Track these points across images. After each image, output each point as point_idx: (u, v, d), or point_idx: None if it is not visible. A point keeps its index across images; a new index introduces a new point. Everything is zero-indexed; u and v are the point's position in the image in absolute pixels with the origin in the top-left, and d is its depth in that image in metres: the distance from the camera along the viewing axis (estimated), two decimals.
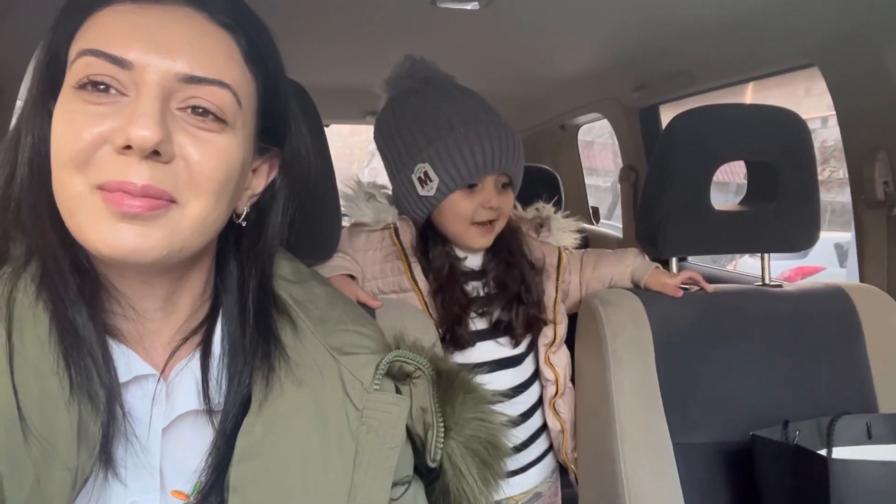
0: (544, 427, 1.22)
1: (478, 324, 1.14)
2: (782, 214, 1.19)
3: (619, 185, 2.28)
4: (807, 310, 1.20)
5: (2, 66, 1.14)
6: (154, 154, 0.48)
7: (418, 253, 1.12)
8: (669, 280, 1.17)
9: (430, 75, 1.13)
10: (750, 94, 2.07)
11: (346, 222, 1.10)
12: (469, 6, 1.40)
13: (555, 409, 1.19)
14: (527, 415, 1.18)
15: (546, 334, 1.18)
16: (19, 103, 1.19)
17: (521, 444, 1.17)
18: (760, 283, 1.26)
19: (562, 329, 1.21)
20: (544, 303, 1.17)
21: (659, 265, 1.22)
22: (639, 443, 1.05)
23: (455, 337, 1.09)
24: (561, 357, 1.20)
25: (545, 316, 1.17)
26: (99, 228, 0.48)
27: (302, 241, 0.67)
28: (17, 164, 0.54)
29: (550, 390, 1.19)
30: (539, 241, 1.23)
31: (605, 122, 2.52)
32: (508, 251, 1.15)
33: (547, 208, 1.27)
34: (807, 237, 1.23)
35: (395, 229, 1.12)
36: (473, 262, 1.16)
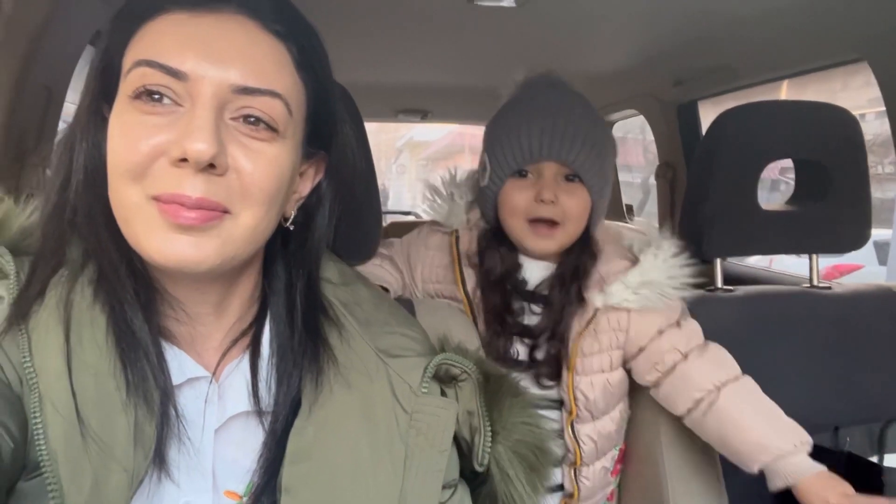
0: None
1: (520, 351, 1.05)
2: (832, 214, 1.16)
3: (648, 182, 2.24)
4: (856, 312, 1.17)
5: (50, 69, 1.16)
6: (209, 167, 0.48)
7: (475, 262, 1.04)
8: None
9: (546, 82, 1.04)
10: (785, 91, 2.01)
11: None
12: (505, 3, 1.39)
13: (573, 431, 1.06)
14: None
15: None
16: (67, 105, 1.21)
17: None
18: (808, 285, 1.23)
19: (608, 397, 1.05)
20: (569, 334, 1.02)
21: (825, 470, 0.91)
22: (685, 448, 1.03)
23: (490, 352, 1.00)
24: (588, 387, 1.04)
25: (566, 355, 1.03)
26: (154, 238, 0.49)
27: (342, 242, 0.67)
28: (72, 169, 0.54)
29: (566, 409, 1.07)
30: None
31: (635, 118, 2.49)
32: (573, 274, 1.01)
33: (650, 245, 1.03)
34: (857, 237, 1.19)
35: (457, 237, 1.07)
36: (533, 276, 1.05)
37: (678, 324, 1.02)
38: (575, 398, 1.04)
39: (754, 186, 1.13)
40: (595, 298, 1.00)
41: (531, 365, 1.03)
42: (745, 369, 1.09)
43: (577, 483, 1.07)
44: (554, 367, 1.04)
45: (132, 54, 0.51)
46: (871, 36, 1.29)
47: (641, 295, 0.99)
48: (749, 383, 0.99)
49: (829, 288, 1.21)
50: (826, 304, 1.17)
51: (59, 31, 1.13)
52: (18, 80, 1.09)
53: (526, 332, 1.03)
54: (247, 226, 0.52)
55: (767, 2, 1.31)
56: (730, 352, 1.05)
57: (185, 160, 0.47)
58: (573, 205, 0.97)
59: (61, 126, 1.21)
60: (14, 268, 0.53)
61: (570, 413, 1.05)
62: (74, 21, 1.16)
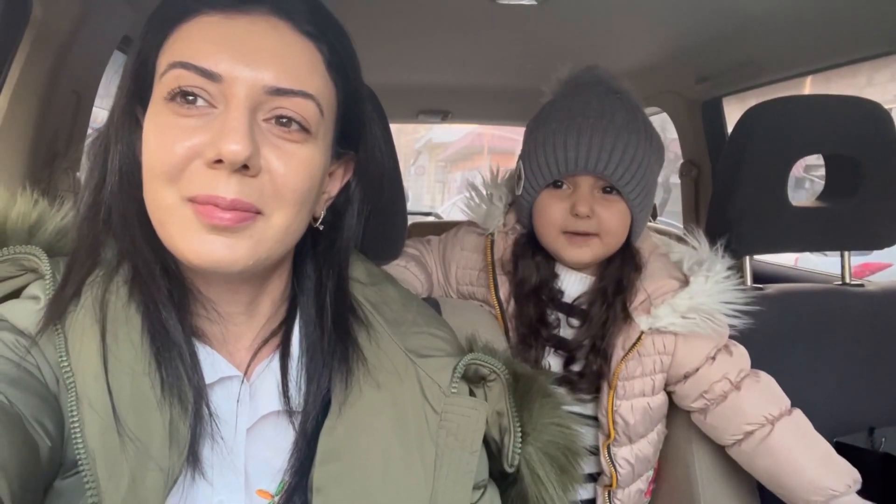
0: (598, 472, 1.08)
1: (552, 363, 1.02)
2: (864, 210, 1.13)
3: (669, 181, 2.20)
4: (891, 310, 1.14)
5: (79, 74, 1.18)
6: (243, 168, 0.48)
7: (509, 269, 1.01)
8: None
9: (590, 79, 1.01)
10: (809, 87, 1.97)
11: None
12: (526, 1, 1.38)
13: (609, 453, 1.03)
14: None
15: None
16: (96, 110, 1.23)
17: None
18: (840, 283, 1.21)
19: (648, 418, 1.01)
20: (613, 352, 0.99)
21: None
22: (717, 466, 1.02)
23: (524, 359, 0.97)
24: (627, 410, 1.00)
25: (607, 372, 0.99)
26: (189, 239, 0.49)
27: (369, 242, 0.67)
28: (107, 170, 0.55)
29: (602, 432, 1.04)
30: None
31: (654, 116, 2.46)
32: (616, 287, 0.97)
33: (702, 264, 0.98)
34: (890, 233, 1.17)
35: (492, 241, 1.04)
36: (571, 288, 1.02)
37: (728, 349, 0.98)
38: (614, 422, 1.00)
39: (784, 182, 1.11)
40: (641, 321, 0.96)
41: (564, 378, 1.00)
42: (778, 369, 1.07)
43: (611, 462, 1.04)
44: (593, 382, 1.00)
45: (166, 56, 0.51)
46: None
47: (690, 320, 0.94)
48: (800, 417, 0.96)
49: (862, 286, 1.19)
50: (859, 302, 1.14)
51: (88, 36, 1.15)
52: (48, 86, 1.11)
53: (561, 345, 1.00)
54: (279, 226, 0.52)
55: None
56: (762, 348, 1.03)
57: (219, 161, 0.48)
58: (610, 218, 0.93)
59: (90, 130, 1.22)
60: (49, 268, 0.54)
61: (608, 436, 1.01)
62: (103, 26, 1.18)
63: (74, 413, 0.49)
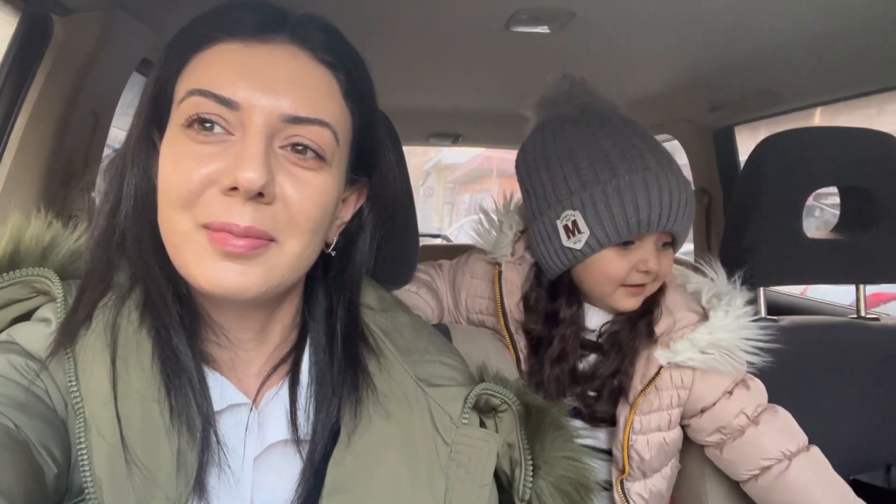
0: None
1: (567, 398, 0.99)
2: (880, 242, 1.13)
3: None
4: None
5: (97, 95, 1.19)
6: (258, 195, 0.48)
7: (526, 305, 0.98)
8: None
9: (591, 101, 0.97)
10: (818, 116, 1.97)
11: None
12: (540, 29, 1.40)
13: (623, 490, 1.00)
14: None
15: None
16: (113, 130, 1.24)
17: None
18: (855, 316, 1.19)
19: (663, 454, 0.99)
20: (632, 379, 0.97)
21: None
22: (728, 482, 0.99)
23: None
24: (643, 445, 0.98)
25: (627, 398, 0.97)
26: (203, 265, 0.49)
27: (381, 267, 0.66)
28: (122, 194, 0.55)
29: (616, 467, 1.01)
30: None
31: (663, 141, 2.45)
32: (642, 318, 0.95)
33: (721, 298, 0.97)
34: None
35: (500, 272, 1.00)
36: (592, 321, 1.00)
37: (745, 384, 0.97)
38: (629, 457, 0.98)
39: (799, 214, 1.10)
40: (660, 355, 0.94)
41: (578, 410, 0.99)
42: (793, 403, 1.05)
43: (625, 499, 1.02)
44: (608, 415, 0.99)
45: (185, 83, 0.51)
46: None
47: (709, 356, 0.92)
48: (818, 455, 0.95)
49: (878, 319, 1.17)
50: (875, 336, 1.13)
51: (107, 58, 1.16)
52: (67, 106, 1.12)
53: (580, 378, 0.98)
54: (292, 254, 0.52)
55: (808, 27, 1.29)
56: (776, 381, 1.01)
57: (235, 189, 0.48)
58: (665, 266, 0.92)
59: (107, 151, 1.23)
60: (62, 291, 0.54)
61: (623, 471, 0.99)
62: (123, 49, 1.19)
63: (82, 439, 0.49)
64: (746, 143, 2.15)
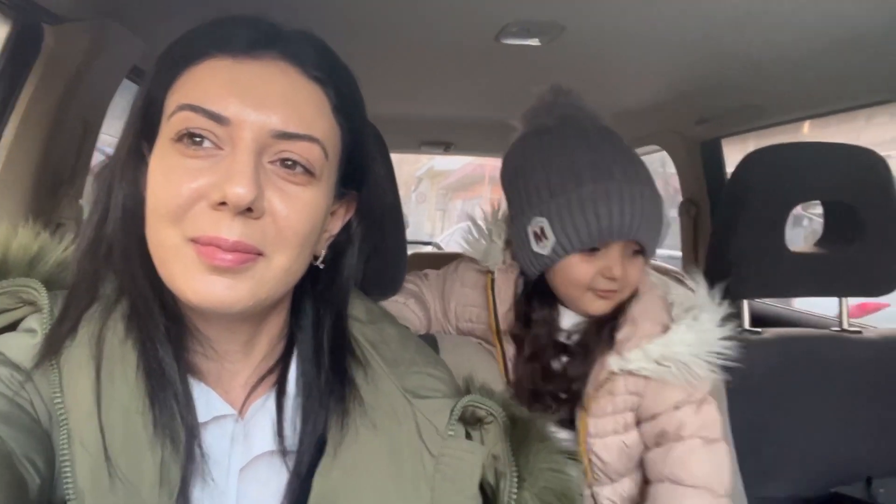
0: None
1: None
2: (862, 256, 1.14)
3: (668, 215, 2.20)
4: (889, 357, 1.14)
5: (87, 103, 1.19)
6: (246, 210, 0.49)
7: (514, 311, 1.00)
8: None
9: (573, 113, 0.99)
10: (807, 128, 2.00)
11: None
12: (531, 42, 1.41)
13: (592, 495, 1.00)
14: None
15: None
16: (103, 136, 1.24)
17: None
18: (838, 328, 1.21)
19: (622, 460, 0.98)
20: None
21: None
22: None
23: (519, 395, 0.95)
24: (602, 448, 0.98)
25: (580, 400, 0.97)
26: (191, 279, 0.49)
27: (368, 278, 0.67)
28: (110, 206, 0.55)
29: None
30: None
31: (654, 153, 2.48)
32: (609, 322, 0.97)
33: (691, 311, 0.96)
34: (888, 280, 1.17)
35: (493, 280, 1.02)
36: (566, 323, 1.01)
37: (697, 406, 0.94)
38: (590, 461, 0.98)
39: (783, 227, 1.12)
40: (611, 362, 0.94)
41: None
42: (774, 415, 1.06)
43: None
44: (567, 413, 0.98)
45: (175, 97, 0.52)
46: None
47: (664, 367, 0.92)
48: None
49: (860, 332, 1.18)
50: (857, 349, 1.14)
51: (98, 66, 1.16)
52: (57, 114, 1.12)
53: (555, 378, 0.98)
54: (280, 268, 0.52)
55: (796, 44, 1.31)
56: (758, 394, 1.04)
57: (224, 203, 0.48)
58: (633, 274, 0.94)
59: (95, 159, 1.23)
60: (48, 302, 0.54)
61: (586, 475, 0.99)
62: (113, 57, 1.19)
63: (66, 451, 0.49)
64: (735, 155, 2.17)
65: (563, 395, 0.97)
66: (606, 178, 0.89)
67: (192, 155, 0.50)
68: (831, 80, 1.43)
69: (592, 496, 1.00)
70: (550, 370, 0.99)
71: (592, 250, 0.92)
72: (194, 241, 0.49)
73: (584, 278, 0.93)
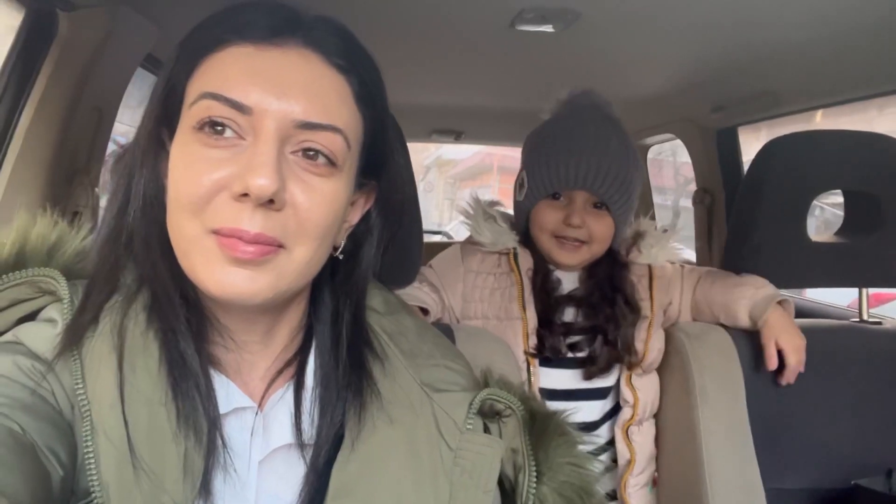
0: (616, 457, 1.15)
1: (565, 349, 1.10)
2: (884, 246, 1.12)
3: (678, 204, 2.20)
4: None
5: (102, 90, 1.19)
6: (268, 202, 0.48)
7: (534, 279, 1.10)
8: (790, 338, 1.04)
9: (587, 103, 1.14)
10: (820, 116, 1.98)
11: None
12: (545, 28, 1.39)
13: (627, 435, 1.12)
14: (607, 444, 1.14)
15: (636, 352, 1.11)
16: (117, 125, 1.24)
17: None
18: (857, 319, 1.19)
19: (653, 354, 1.12)
20: (634, 340, 1.10)
21: (787, 300, 1.10)
22: (729, 486, 1.00)
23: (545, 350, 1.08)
24: (646, 383, 1.13)
25: (631, 358, 1.10)
26: (212, 270, 0.49)
27: (386, 268, 0.66)
28: (131, 194, 0.55)
29: (626, 413, 1.12)
30: (629, 261, 1.15)
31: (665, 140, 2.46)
32: (609, 284, 1.11)
33: (644, 223, 1.19)
34: None
35: (515, 254, 1.12)
36: (567, 285, 1.13)
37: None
38: (637, 399, 1.10)
39: (803, 217, 1.10)
40: (641, 259, 1.15)
41: (583, 362, 1.10)
42: (792, 406, 1.05)
43: (630, 442, 1.12)
44: (603, 366, 1.09)
45: (197, 85, 0.51)
46: None
47: (663, 252, 1.14)
48: (721, 273, 1.18)
49: (880, 323, 1.17)
50: (878, 340, 1.13)
51: (112, 54, 1.16)
52: (71, 102, 1.12)
53: (567, 331, 1.10)
54: (301, 260, 0.52)
55: (813, 29, 1.28)
56: (775, 388, 1.04)
57: (245, 195, 0.48)
58: (599, 229, 1.07)
59: (111, 147, 1.23)
60: (68, 292, 0.54)
61: (633, 416, 1.11)
62: (128, 45, 1.19)
63: (89, 443, 0.49)
64: (747, 143, 2.15)
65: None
66: (576, 138, 1.05)
67: (214, 145, 0.49)
68: (847, 66, 1.40)
69: (627, 435, 1.12)
70: (568, 324, 1.11)
71: (556, 197, 1.07)
72: (216, 232, 0.49)
73: (549, 223, 1.07)
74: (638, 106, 2.18)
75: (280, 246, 0.50)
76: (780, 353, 1.04)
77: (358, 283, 0.62)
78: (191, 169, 0.49)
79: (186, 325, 0.53)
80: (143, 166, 0.54)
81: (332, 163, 0.52)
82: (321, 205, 0.51)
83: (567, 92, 1.16)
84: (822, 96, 1.61)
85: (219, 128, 0.49)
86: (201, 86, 0.50)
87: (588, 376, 1.09)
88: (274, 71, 0.50)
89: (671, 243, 1.17)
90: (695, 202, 2.24)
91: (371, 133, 0.57)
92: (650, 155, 2.82)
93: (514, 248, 1.13)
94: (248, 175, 0.47)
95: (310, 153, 0.51)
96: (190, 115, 0.50)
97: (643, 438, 1.13)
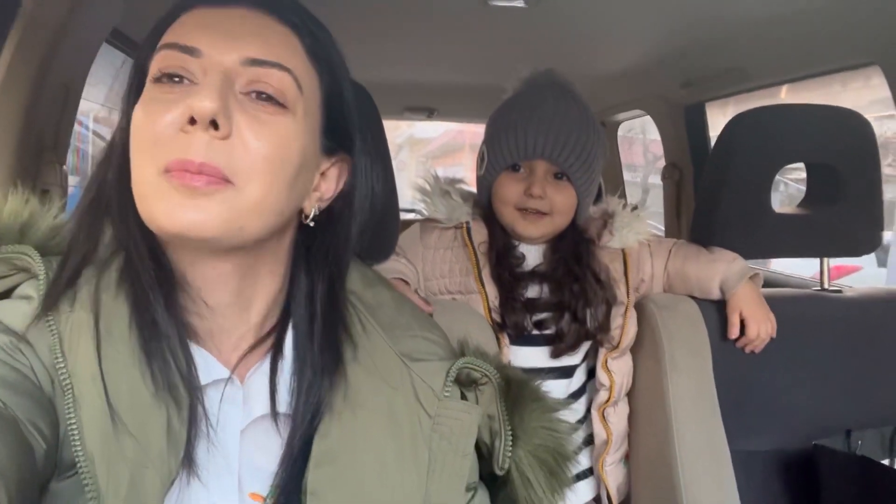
0: (591, 438, 1.16)
1: (530, 326, 1.09)
2: (844, 217, 1.16)
3: (647, 181, 2.24)
4: (868, 316, 1.17)
5: (68, 67, 1.16)
6: (213, 129, 0.49)
7: (490, 254, 1.10)
8: (754, 310, 1.07)
9: (549, 80, 1.12)
10: (785, 91, 2.02)
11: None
12: (517, 3, 1.39)
13: (604, 416, 1.13)
14: (580, 422, 1.16)
15: (611, 338, 1.11)
16: (84, 103, 1.21)
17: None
18: (818, 288, 1.23)
19: (629, 337, 1.12)
20: (606, 319, 1.10)
21: (758, 274, 1.12)
22: (696, 449, 1.04)
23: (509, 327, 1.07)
24: (621, 364, 1.13)
25: (602, 336, 1.10)
26: (163, 204, 0.50)
27: (364, 243, 0.67)
28: (109, 165, 0.56)
29: (602, 396, 1.12)
30: (599, 247, 1.14)
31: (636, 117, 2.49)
32: (574, 259, 1.10)
33: (613, 201, 1.17)
34: (869, 240, 1.19)
35: (468, 228, 1.12)
36: (532, 261, 1.12)
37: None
38: (613, 382, 1.11)
39: (768, 190, 1.13)
40: (611, 243, 1.13)
41: (552, 339, 1.09)
42: (757, 372, 1.09)
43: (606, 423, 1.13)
44: (571, 343, 1.09)
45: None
46: (883, 41, 1.29)
47: (634, 234, 1.13)
48: (693, 247, 1.19)
49: (840, 291, 1.21)
50: (838, 308, 1.17)
51: (77, 29, 1.13)
52: (37, 79, 1.09)
53: (531, 307, 1.09)
54: (252, 197, 0.51)
55: (779, 5, 1.31)
56: (741, 354, 1.08)
57: (192, 123, 0.49)
58: (560, 200, 1.06)
59: (77, 125, 1.21)
60: (43, 268, 0.54)
61: (609, 396, 1.11)
62: (93, 19, 1.16)
63: (72, 415, 0.49)
64: (714, 119, 2.19)
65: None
66: (535, 108, 1.05)
67: (170, 91, 0.51)
68: (813, 41, 1.43)
69: (603, 416, 1.13)
70: (532, 300, 1.09)
71: (517, 169, 1.07)
72: (167, 170, 0.49)
73: (511, 196, 1.07)
74: (609, 82, 2.19)
75: (228, 181, 0.50)
76: (743, 323, 1.07)
77: (334, 261, 0.62)
78: (148, 113, 0.51)
79: (155, 283, 0.53)
80: (118, 135, 0.55)
81: (280, 104, 0.53)
82: (270, 138, 0.52)
83: (528, 70, 1.16)
84: (788, 71, 1.64)
85: (175, 78, 0.51)
86: (161, 44, 0.53)
87: (556, 354, 1.09)
88: (225, 22, 0.53)
89: (643, 223, 1.15)
90: (664, 178, 2.28)
91: (329, 93, 0.58)
92: (620, 132, 2.85)
93: (467, 223, 1.12)
94: (191, 99, 0.49)
95: (262, 96, 0.52)
96: (150, 69, 0.53)
97: (618, 418, 1.15)
